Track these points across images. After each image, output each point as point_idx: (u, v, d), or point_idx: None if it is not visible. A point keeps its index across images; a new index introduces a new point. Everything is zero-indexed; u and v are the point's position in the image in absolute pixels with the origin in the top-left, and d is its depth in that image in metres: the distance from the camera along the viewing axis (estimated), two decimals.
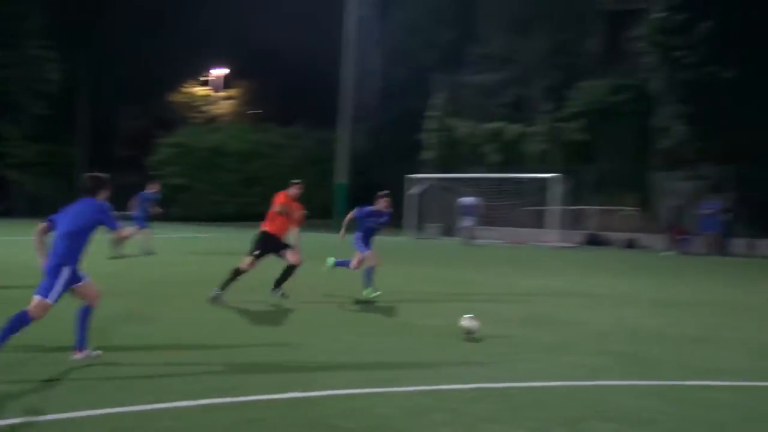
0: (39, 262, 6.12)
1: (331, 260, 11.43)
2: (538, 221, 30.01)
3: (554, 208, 28.17)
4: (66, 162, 41.31)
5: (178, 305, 9.75)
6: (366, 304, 10.31)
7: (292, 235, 10.37)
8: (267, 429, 4.70)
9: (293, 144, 41.17)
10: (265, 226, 10.11)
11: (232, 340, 7.49)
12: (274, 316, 9.22)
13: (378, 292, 10.51)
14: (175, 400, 5.06)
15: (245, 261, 9.85)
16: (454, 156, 32.60)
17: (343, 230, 11.14)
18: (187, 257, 18.20)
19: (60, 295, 6.03)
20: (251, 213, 37.87)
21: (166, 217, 23.28)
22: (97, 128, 44.25)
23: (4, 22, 37.39)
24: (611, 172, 30.55)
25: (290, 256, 9.96)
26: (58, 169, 39.77)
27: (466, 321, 7.81)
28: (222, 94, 48.61)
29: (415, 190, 30.92)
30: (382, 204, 11.07)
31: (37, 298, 5.95)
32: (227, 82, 48.49)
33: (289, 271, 10.08)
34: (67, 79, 40.52)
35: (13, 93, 38.68)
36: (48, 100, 39.64)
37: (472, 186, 29.67)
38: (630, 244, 27.64)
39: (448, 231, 30.96)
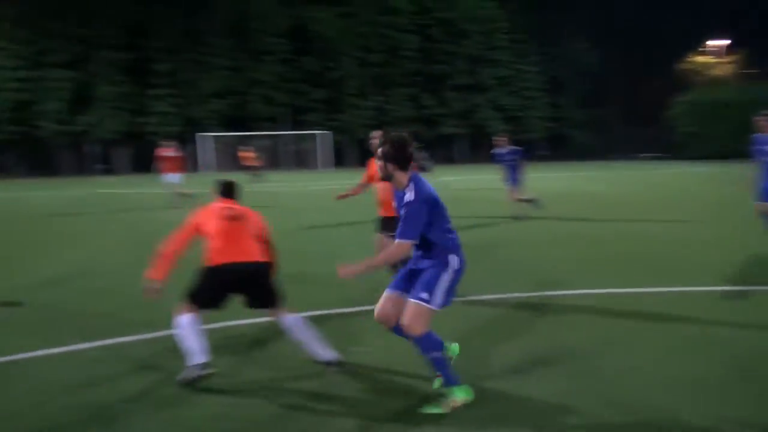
0: None
1: None
2: None
3: None
4: (604, 120, 58.06)
5: None
6: None
7: None
8: None
9: None
10: None
11: None
12: None
13: None
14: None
15: None
16: None
17: None
18: None
19: None
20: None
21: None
22: (626, 93, 59.85)
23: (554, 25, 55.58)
24: None
25: None
26: (600, 126, 56.68)
27: None
28: (722, 60, 58.75)
29: None
30: None
31: None
32: (727, 50, 58.66)
33: None
34: (601, 59, 56.76)
35: (562, 75, 56.61)
36: (589, 76, 56.69)
37: None
38: None
39: None
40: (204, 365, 4.37)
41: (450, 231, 4.05)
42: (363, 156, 53.41)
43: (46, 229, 14.25)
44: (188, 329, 4.54)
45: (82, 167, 49.79)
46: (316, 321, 5.55)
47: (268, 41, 50.28)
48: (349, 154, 53.24)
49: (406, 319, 3.92)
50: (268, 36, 50.24)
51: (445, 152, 55.76)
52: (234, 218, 4.93)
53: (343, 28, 51.76)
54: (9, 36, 46.67)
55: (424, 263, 4.07)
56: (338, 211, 14.89)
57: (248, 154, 32.86)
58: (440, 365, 4.02)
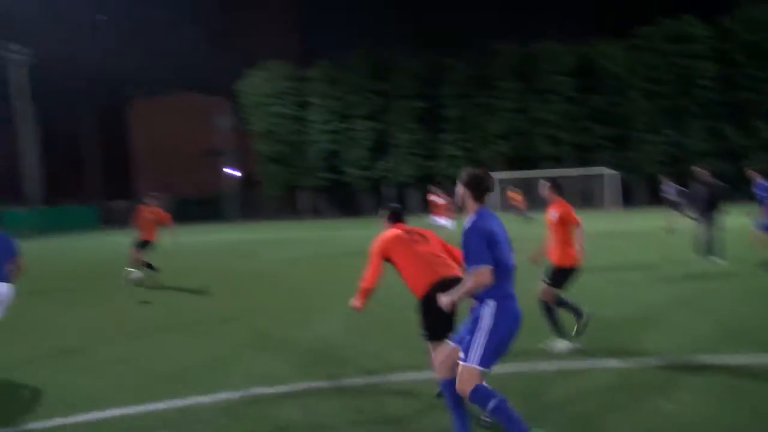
0: None
1: None
2: None
3: None
4: None
5: None
6: None
7: None
8: None
9: None
10: None
11: None
12: None
13: None
14: None
15: None
16: None
17: None
18: None
19: None
20: None
21: None
22: None
23: None
24: None
25: None
26: None
27: None
28: None
29: None
30: None
31: None
32: None
33: None
34: None
35: None
36: None
37: None
38: None
39: None
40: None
41: (501, 273, 4.04)
42: (653, 194, 50.46)
43: (349, 265, 15.98)
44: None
45: (380, 208, 54.42)
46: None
47: (553, 80, 50.40)
48: (638, 192, 50.72)
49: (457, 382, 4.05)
50: (553, 75, 50.42)
51: (750, 189, 50.24)
52: (421, 241, 5.06)
53: (631, 60, 49.97)
54: (322, 93, 53.32)
55: (475, 310, 4.15)
56: (626, 250, 14.45)
57: (516, 196, 33.12)
58: (502, 414, 3.89)
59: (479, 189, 4.24)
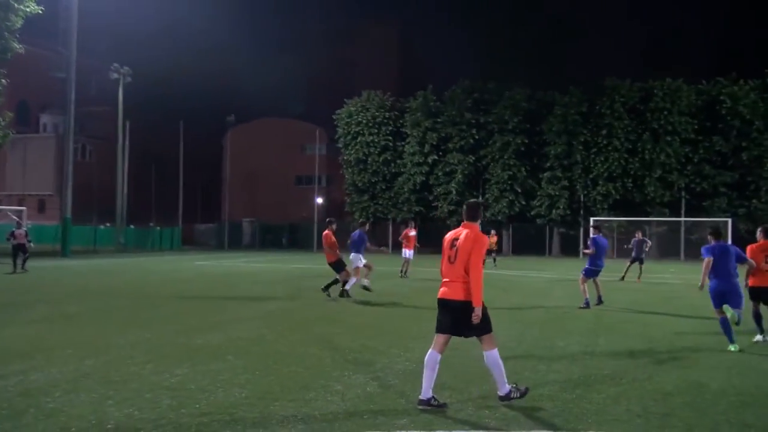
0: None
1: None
2: None
3: None
4: None
5: None
6: None
7: None
8: None
9: None
10: None
11: None
12: None
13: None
14: None
15: None
16: None
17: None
18: None
19: None
20: None
21: None
22: None
23: None
24: None
25: None
26: None
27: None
28: None
29: None
30: None
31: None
32: None
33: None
34: None
35: None
36: None
37: None
38: None
39: None
40: None
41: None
42: None
43: None
44: None
45: None
46: None
47: (672, 120, 45.71)
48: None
49: None
50: (672, 115, 45.72)
51: None
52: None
53: (759, 102, 44.73)
54: (418, 125, 50.97)
55: None
56: None
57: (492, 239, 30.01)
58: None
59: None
